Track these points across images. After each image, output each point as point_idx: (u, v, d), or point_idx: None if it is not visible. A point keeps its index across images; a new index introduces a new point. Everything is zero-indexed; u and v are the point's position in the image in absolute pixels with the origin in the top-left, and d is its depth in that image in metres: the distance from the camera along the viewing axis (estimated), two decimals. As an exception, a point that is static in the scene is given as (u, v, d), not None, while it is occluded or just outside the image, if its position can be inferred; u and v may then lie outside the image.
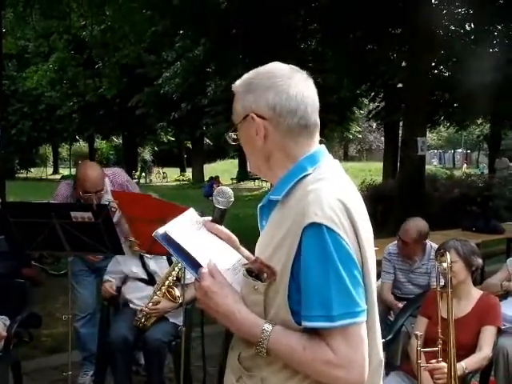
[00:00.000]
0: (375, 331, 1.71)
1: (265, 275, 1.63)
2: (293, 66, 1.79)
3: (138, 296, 4.57)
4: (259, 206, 1.84)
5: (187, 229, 1.80)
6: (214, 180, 25.50)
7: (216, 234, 1.88)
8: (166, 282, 4.45)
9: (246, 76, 1.80)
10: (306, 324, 1.58)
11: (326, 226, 1.54)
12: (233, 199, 1.90)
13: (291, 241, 1.59)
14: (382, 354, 1.77)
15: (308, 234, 1.56)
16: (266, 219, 1.78)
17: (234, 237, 1.92)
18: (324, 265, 1.54)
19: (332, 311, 1.53)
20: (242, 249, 1.92)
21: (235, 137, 1.83)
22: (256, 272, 1.66)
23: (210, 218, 1.91)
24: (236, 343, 1.79)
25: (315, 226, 1.55)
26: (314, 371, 1.60)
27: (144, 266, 4.62)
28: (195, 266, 1.70)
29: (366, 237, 1.67)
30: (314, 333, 1.59)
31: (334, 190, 1.62)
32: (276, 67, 1.77)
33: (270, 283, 1.63)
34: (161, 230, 1.72)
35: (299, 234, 1.57)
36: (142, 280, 4.64)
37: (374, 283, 1.70)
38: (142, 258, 4.61)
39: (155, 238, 1.72)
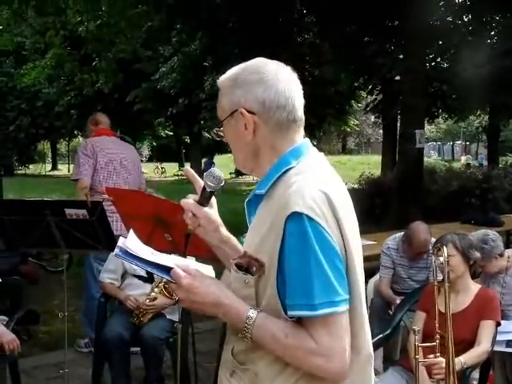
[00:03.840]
0: (362, 323, 1.71)
1: (254, 268, 1.65)
2: (278, 62, 1.79)
3: (136, 293, 4.54)
4: (246, 201, 1.84)
5: (142, 246, 1.80)
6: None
7: (195, 215, 1.86)
8: (164, 279, 4.40)
9: (231, 71, 1.79)
10: (290, 313, 1.59)
11: (307, 215, 1.55)
12: (223, 183, 1.89)
13: (276, 233, 1.60)
14: (371, 349, 1.77)
15: (289, 224, 1.57)
16: (254, 214, 1.78)
17: (213, 218, 1.90)
18: (305, 254, 1.55)
19: (314, 300, 1.54)
20: (224, 230, 1.93)
21: (221, 133, 1.83)
22: (245, 266, 1.67)
23: (196, 196, 1.89)
24: (230, 338, 1.79)
25: (296, 216, 1.56)
26: (295, 359, 1.62)
27: None
28: (166, 270, 1.70)
29: (351, 228, 1.67)
30: (298, 321, 1.60)
31: (316, 181, 1.64)
32: (262, 62, 1.77)
33: (260, 276, 1.64)
34: (118, 248, 1.72)
35: (282, 225, 1.58)
36: (140, 277, 4.61)
37: (359, 275, 1.69)
38: None
39: (117, 257, 1.73)
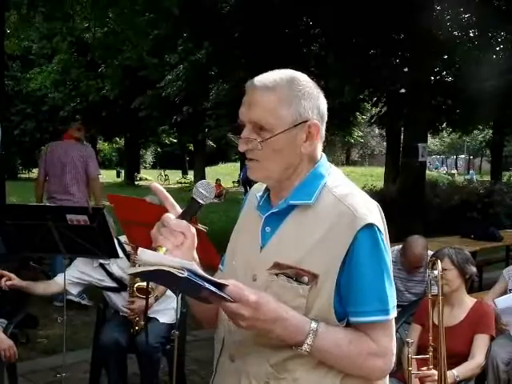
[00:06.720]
0: None
1: (305, 279, 1.64)
2: None
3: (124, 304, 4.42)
4: (270, 212, 1.75)
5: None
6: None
7: (178, 231, 1.66)
8: (136, 284, 4.20)
9: (290, 79, 1.70)
10: (361, 319, 1.65)
11: (377, 227, 1.66)
12: (212, 198, 1.73)
13: (335, 243, 1.63)
14: None
15: (363, 235, 1.63)
16: (272, 226, 1.74)
17: (192, 237, 1.69)
18: (379, 262, 1.65)
19: (388, 305, 1.66)
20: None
21: (242, 143, 1.71)
22: (293, 277, 1.66)
23: (173, 215, 1.70)
24: (259, 350, 1.71)
25: (369, 227, 1.64)
26: (357, 363, 1.66)
27: (108, 273, 4.44)
28: (220, 287, 1.53)
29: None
30: (355, 327, 1.67)
31: (365, 195, 1.74)
32: (302, 74, 1.76)
33: (312, 286, 1.65)
34: (186, 270, 1.46)
35: (351, 236, 1.62)
36: (109, 289, 4.49)
37: None
38: (103, 266, 4.42)
39: (189, 277, 1.46)
